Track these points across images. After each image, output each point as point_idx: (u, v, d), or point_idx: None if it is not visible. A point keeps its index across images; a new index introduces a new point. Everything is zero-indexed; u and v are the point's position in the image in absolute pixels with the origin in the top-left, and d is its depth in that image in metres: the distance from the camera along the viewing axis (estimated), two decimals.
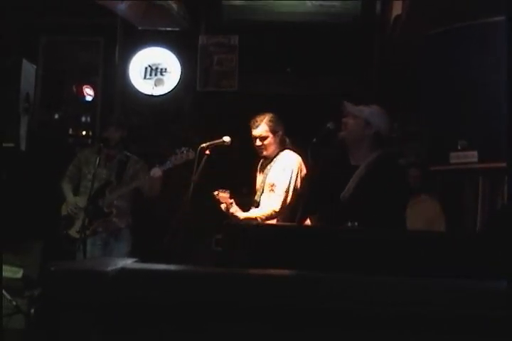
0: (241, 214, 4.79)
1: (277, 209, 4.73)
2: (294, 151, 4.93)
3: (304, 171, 4.86)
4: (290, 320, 1.75)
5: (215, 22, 6.82)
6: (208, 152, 4.83)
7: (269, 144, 4.90)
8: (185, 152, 5.16)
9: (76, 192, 5.63)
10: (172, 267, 1.93)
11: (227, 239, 3.01)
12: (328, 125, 4.71)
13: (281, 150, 4.93)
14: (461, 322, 1.70)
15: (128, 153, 5.77)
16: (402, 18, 4.95)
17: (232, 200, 4.77)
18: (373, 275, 1.86)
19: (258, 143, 4.89)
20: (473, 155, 3.07)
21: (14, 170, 6.04)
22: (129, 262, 1.93)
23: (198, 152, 4.84)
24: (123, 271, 1.83)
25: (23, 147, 5.67)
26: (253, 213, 4.82)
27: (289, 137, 5.02)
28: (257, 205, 4.88)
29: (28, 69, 5.70)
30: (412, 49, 4.32)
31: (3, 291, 5.18)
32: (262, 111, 5.10)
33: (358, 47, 6.60)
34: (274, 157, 4.93)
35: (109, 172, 5.63)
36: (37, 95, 6.68)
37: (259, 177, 5.03)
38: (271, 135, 4.89)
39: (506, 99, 2.74)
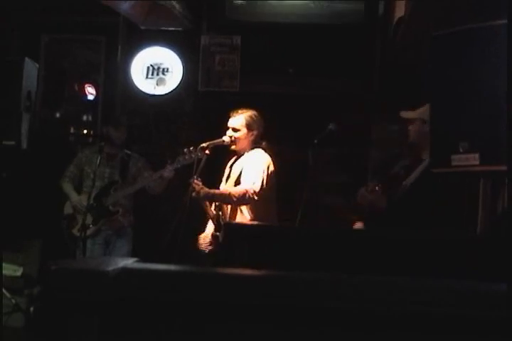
0: (213, 191, 4.71)
1: (249, 189, 4.59)
2: (267, 152, 4.89)
3: (272, 169, 4.80)
4: (289, 319, 1.75)
5: (218, 22, 6.82)
6: (207, 152, 4.82)
7: (240, 139, 4.84)
8: (193, 151, 5.09)
9: (79, 192, 5.62)
10: (172, 267, 1.93)
11: (226, 239, 3.00)
12: (330, 126, 4.73)
13: (252, 148, 4.90)
14: (460, 323, 1.70)
15: (128, 152, 5.78)
16: (405, 19, 4.95)
17: (202, 186, 4.68)
18: (373, 275, 1.86)
19: (229, 133, 4.86)
20: (474, 158, 3.07)
21: (15, 169, 6.04)
22: (129, 262, 1.94)
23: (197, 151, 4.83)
24: (123, 270, 1.83)
25: (24, 145, 5.68)
26: (226, 189, 4.74)
27: (288, 139, 5.01)
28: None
29: (30, 68, 5.71)
30: (415, 50, 4.33)
31: (3, 289, 5.19)
32: (263, 111, 5.09)
33: (360, 49, 6.60)
34: (244, 154, 4.89)
35: (112, 171, 5.64)
36: (39, 93, 6.69)
37: (227, 174, 4.98)
38: (245, 130, 4.84)
39: (507, 101, 2.74)
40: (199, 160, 4.79)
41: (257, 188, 4.62)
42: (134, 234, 5.71)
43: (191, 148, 4.95)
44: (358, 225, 4.34)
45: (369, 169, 6.45)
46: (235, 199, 4.60)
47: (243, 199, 4.60)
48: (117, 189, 5.56)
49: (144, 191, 5.65)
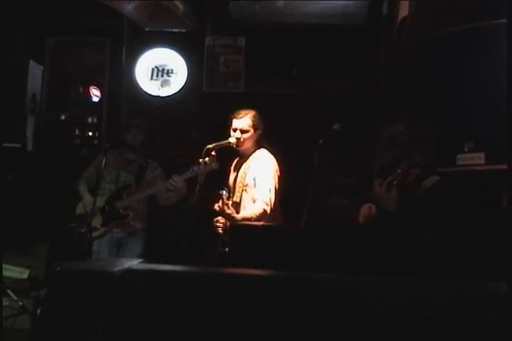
0: (238, 216, 4.67)
1: (266, 207, 4.66)
2: (270, 152, 4.92)
3: (277, 170, 4.85)
4: (295, 320, 1.75)
5: (222, 23, 6.82)
6: (213, 153, 4.83)
7: (248, 139, 4.88)
8: (208, 162, 5.01)
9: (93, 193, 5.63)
10: (177, 268, 1.93)
11: (233, 240, 3.00)
12: (335, 126, 4.73)
13: (257, 148, 4.92)
14: (460, 324, 1.69)
15: (148, 160, 5.81)
16: (409, 20, 4.94)
17: (229, 202, 4.65)
18: (377, 277, 1.86)
19: (238, 134, 4.87)
20: (479, 157, 3.06)
21: (21, 171, 6.06)
22: (135, 263, 1.94)
23: (203, 153, 4.83)
24: (129, 271, 1.83)
25: (29, 148, 5.68)
26: (247, 213, 4.72)
27: (293, 140, 5.01)
28: (235, 206, 4.80)
29: (35, 70, 5.72)
30: (419, 51, 4.32)
31: (9, 291, 5.20)
32: (268, 112, 5.10)
33: (364, 50, 6.60)
34: (250, 155, 4.91)
35: (128, 176, 5.67)
36: (43, 96, 6.70)
37: (234, 176, 4.99)
38: (252, 130, 4.88)
39: (507, 101, 2.74)
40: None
41: (272, 201, 4.70)
42: (147, 238, 5.72)
43: (206, 159, 4.90)
44: (369, 206, 4.33)
45: (374, 170, 6.44)
46: (255, 218, 4.63)
47: (262, 217, 4.64)
48: (130, 193, 5.58)
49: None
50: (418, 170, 4.57)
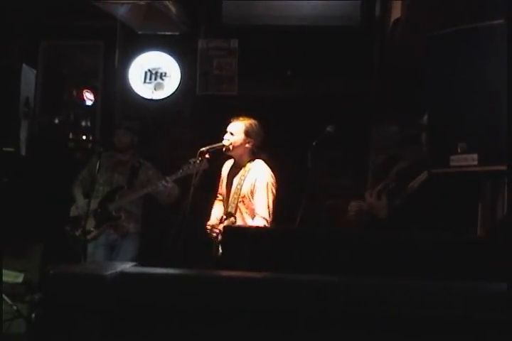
0: None
1: (266, 223, 4.73)
2: (267, 163, 4.94)
3: (274, 182, 4.88)
4: (291, 322, 1.75)
5: (215, 26, 6.82)
6: (207, 156, 4.83)
7: (236, 144, 4.89)
8: (198, 162, 4.98)
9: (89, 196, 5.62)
10: (169, 271, 1.93)
11: (227, 242, 3.00)
12: (328, 128, 4.75)
13: (253, 159, 4.92)
14: (460, 324, 1.69)
15: (141, 160, 5.79)
16: (402, 21, 4.95)
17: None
18: (374, 278, 1.86)
19: (227, 136, 4.89)
20: (473, 158, 3.06)
21: (14, 175, 6.04)
22: (127, 266, 1.94)
23: (197, 156, 4.83)
24: (121, 274, 1.83)
25: (23, 151, 5.67)
26: None
27: (288, 141, 5.00)
28: (228, 215, 4.85)
29: (28, 74, 5.70)
30: (412, 52, 4.33)
31: (4, 296, 5.19)
32: (262, 114, 5.10)
33: (358, 50, 6.60)
34: (244, 165, 4.92)
35: (121, 177, 5.66)
36: (37, 99, 6.68)
37: (226, 184, 5.01)
38: (242, 136, 4.88)
39: (507, 101, 2.74)
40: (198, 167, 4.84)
41: (270, 216, 4.78)
42: (141, 241, 5.71)
43: (196, 160, 4.90)
44: (357, 202, 4.33)
45: (369, 170, 6.46)
46: None
47: None
48: (122, 195, 5.57)
49: (153, 199, 5.65)
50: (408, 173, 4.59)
